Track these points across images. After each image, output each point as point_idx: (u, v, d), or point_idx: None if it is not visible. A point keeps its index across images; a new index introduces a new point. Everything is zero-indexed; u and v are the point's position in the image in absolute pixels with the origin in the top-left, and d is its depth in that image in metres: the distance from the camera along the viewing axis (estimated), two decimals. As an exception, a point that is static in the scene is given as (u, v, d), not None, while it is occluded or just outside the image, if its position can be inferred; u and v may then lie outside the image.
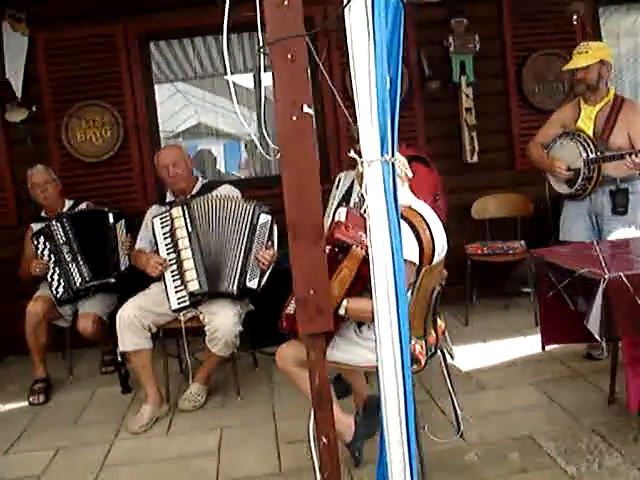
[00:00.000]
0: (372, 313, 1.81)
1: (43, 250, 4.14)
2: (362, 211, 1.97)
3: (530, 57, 5.05)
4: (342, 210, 2.40)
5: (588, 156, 3.66)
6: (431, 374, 3.11)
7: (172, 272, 3.60)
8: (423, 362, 2.61)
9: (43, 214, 4.35)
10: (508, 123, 5.13)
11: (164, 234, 3.64)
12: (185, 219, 3.58)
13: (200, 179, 3.99)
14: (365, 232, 1.83)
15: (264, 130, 2.17)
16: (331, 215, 3.14)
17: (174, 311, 3.57)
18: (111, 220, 4.19)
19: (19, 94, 4.72)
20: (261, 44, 1.91)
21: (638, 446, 2.73)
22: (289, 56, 1.78)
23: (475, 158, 4.97)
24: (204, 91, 9.99)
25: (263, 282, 3.58)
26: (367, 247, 1.80)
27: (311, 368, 1.97)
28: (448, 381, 2.96)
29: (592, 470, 2.62)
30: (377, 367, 1.78)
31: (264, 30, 1.81)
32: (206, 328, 3.52)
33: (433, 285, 2.64)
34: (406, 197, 2.60)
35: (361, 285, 2.30)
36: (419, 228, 2.41)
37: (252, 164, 8.79)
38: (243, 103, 6.82)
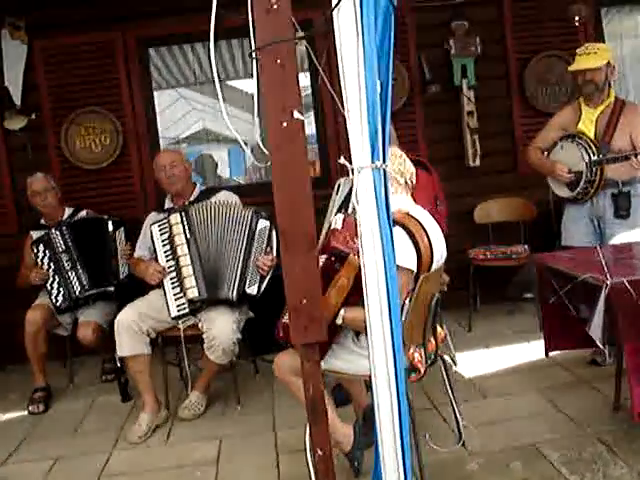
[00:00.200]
0: None
1: (43, 258, 4.12)
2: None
3: (532, 59, 5.01)
4: (339, 217, 2.36)
5: (590, 159, 3.62)
6: (433, 381, 3.07)
7: (171, 279, 3.57)
8: (423, 370, 2.56)
9: (43, 222, 4.33)
10: (510, 126, 5.08)
11: (163, 241, 3.62)
12: (183, 226, 3.55)
13: (198, 185, 3.97)
14: None
15: (258, 137, 2.13)
16: (331, 221, 3.10)
17: (174, 319, 3.54)
18: (110, 228, 4.17)
19: (18, 102, 4.72)
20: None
21: (644, 455, 2.68)
22: (278, 61, 1.75)
23: (477, 162, 4.93)
24: (207, 97, 9.99)
25: (263, 288, 3.54)
26: None
27: (305, 379, 1.93)
28: (449, 389, 2.91)
29: (597, 480, 2.57)
30: (370, 376, 1.74)
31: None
32: (204, 335, 3.49)
33: (432, 292, 2.60)
34: (404, 204, 2.56)
35: (359, 294, 2.26)
36: (417, 235, 2.37)
37: (258, 169, 8.77)
38: (242, 108, 6.81)
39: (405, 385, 2.49)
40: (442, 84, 4.91)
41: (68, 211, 4.36)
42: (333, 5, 1.59)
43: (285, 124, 1.77)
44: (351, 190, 3.62)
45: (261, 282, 3.54)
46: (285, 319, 2.53)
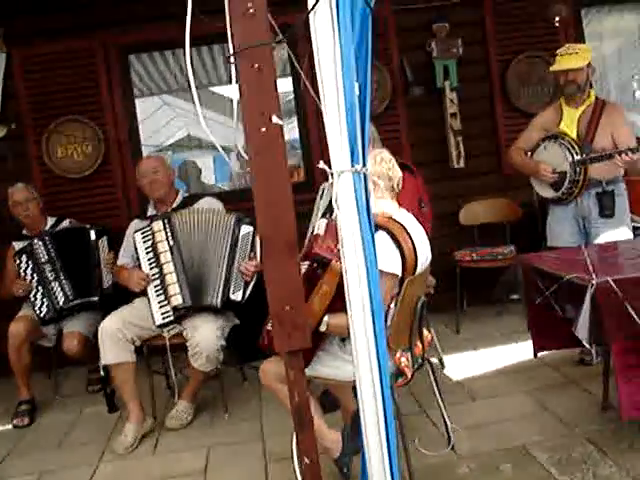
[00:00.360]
0: None
1: (26, 269, 4.07)
2: None
3: (514, 60, 5.02)
4: (322, 222, 2.34)
5: (574, 158, 3.62)
6: (421, 385, 3.05)
7: (155, 287, 3.54)
8: (410, 374, 2.54)
9: (25, 232, 4.28)
10: (494, 127, 5.08)
11: (146, 249, 3.59)
12: (166, 233, 3.53)
13: (181, 192, 3.94)
14: None
15: (239, 143, 2.11)
16: (315, 226, 3.08)
17: (159, 327, 3.51)
18: (93, 237, 4.12)
19: (-2, 111, 4.66)
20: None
21: (632, 454, 2.67)
22: (256, 65, 1.72)
23: (462, 163, 4.92)
24: (191, 103, 9.91)
25: (247, 294, 3.51)
26: None
27: (290, 386, 1.90)
28: (437, 392, 2.90)
29: (586, 480, 2.56)
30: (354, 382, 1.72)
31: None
32: (188, 343, 3.46)
33: (418, 295, 2.58)
34: (388, 208, 2.54)
35: (342, 300, 2.24)
36: (400, 238, 2.35)
37: (243, 175, 8.73)
38: (226, 114, 6.79)
39: (391, 390, 2.49)
40: (425, 86, 4.92)
41: (51, 221, 4.32)
42: (309, 7, 1.57)
43: (264, 129, 1.74)
44: (335, 194, 3.63)
45: (245, 288, 3.51)
46: (269, 326, 2.50)
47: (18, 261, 4.08)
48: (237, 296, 3.49)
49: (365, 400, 1.69)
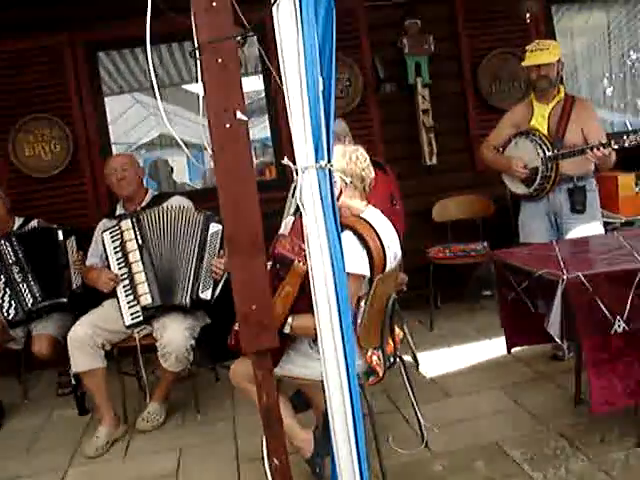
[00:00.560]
0: None
1: (-8, 270, 3.98)
2: None
3: (485, 57, 5.02)
4: (289, 220, 2.31)
5: (545, 154, 3.63)
6: (395, 383, 3.04)
7: (124, 287, 3.50)
8: (381, 373, 2.52)
9: (-9, 233, 4.18)
10: (466, 124, 5.08)
11: (114, 248, 3.54)
12: (135, 232, 3.48)
13: (151, 191, 3.88)
14: None
15: (205, 139, 2.06)
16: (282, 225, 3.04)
17: (128, 327, 3.47)
18: (61, 237, 4.03)
19: (-38, 110, 4.55)
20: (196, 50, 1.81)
21: (604, 448, 2.68)
22: (220, 60, 1.69)
23: (434, 160, 4.92)
24: (165, 102, 9.82)
25: (217, 293, 3.47)
26: None
27: (258, 387, 1.87)
28: (410, 390, 2.88)
29: (559, 475, 2.57)
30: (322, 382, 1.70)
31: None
32: (157, 343, 3.41)
33: (388, 293, 2.56)
34: (356, 206, 2.51)
35: (306, 301, 2.21)
36: (367, 237, 2.32)
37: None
38: (198, 112, 6.71)
39: (362, 389, 2.47)
40: (396, 83, 4.90)
41: (18, 221, 4.22)
42: (272, 1, 1.54)
43: (228, 125, 1.71)
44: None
45: (215, 287, 3.47)
46: (236, 326, 2.46)
47: (-16, 262, 3.99)
48: (206, 295, 3.45)
49: (333, 400, 1.67)
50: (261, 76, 5.15)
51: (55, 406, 4.11)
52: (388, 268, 2.45)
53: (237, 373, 2.64)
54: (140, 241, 3.47)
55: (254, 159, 8.55)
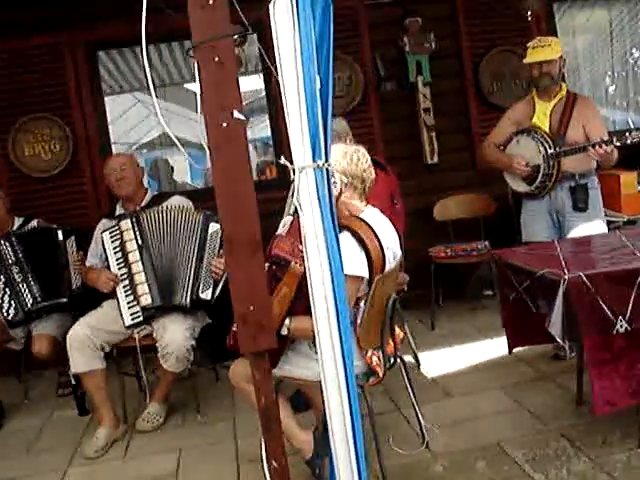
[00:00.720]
0: None
1: (-8, 271, 3.97)
2: None
3: (486, 55, 5.00)
4: (287, 219, 2.29)
5: (547, 151, 3.61)
6: (396, 383, 3.02)
7: (124, 287, 3.48)
8: (381, 373, 2.50)
9: (-9, 233, 4.17)
10: (467, 122, 5.07)
11: (114, 248, 3.53)
12: (134, 232, 3.47)
13: (150, 190, 3.87)
14: None
15: (203, 138, 2.04)
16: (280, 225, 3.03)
17: (128, 327, 3.45)
18: (60, 237, 4.02)
19: (-39, 110, 4.54)
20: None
21: (606, 449, 2.66)
22: (216, 59, 1.67)
23: (435, 159, 4.90)
24: (166, 101, 9.81)
25: (217, 293, 3.45)
26: None
27: (256, 388, 1.85)
28: (410, 391, 2.87)
29: (561, 476, 2.54)
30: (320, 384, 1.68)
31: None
32: (158, 344, 3.40)
33: (388, 293, 2.54)
34: (354, 207, 2.49)
35: (305, 303, 2.19)
36: (365, 238, 2.30)
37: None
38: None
39: (362, 389, 2.46)
40: (397, 82, 4.88)
41: (18, 221, 4.20)
42: (269, -2, 1.52)
43: (225, 124, 1.69)
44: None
45: (215, 287, 3.45)
46: (235, 327, 2.44)
47: (-16, 263, 3.98)
48: (207, 295, 3.43)
49: (331, 401, 1.65)
50: (261, 75, 5.13)
51: (55, 406, 4.10)
52: (387, 269, 2.43)
53: (236, 373, 2.63)
54: (140, 241, 3.46)
55: (255, 158, 8.53)
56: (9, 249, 3.97)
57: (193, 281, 3.43)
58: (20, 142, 4.70)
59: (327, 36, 1.54)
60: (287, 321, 2.31)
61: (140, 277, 3.42)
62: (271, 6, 1.53)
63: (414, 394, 2.88)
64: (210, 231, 3.47)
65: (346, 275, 2.27)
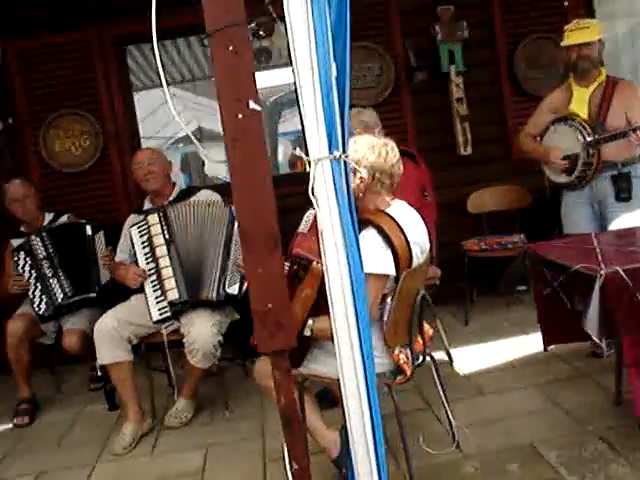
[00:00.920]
0: None
1: (24, 266, 3.99)
2: None
3: (521, 42, 4.84)
4: (309, 215, 2.21)
5: (586, 139, 3.47)
6: (429, 380, 2.92)
7: (152, 282, 3.46)
8: (409, 372, 2.42)
9: (22, 229, 4.20)
10: (502, 112, 4.92)
11: (142, 243, 3.51)
12: (162, 226, 3.45)
13: (178, 185, 3.84)
14: None
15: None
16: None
17: (156, 322, 3.43)
18: (89, 232, 4.02)
19: (-8, 106, 4.57)
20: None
21: (647, 452, 2.54)
22: (231, 47, 1.61)
23: (469, 150, 4.78)
24: (199, 95, 9.84)
25: (244, 288, 3.40)
26: None
27: (276, 388, 1.80)
28: (440, 389, 2.78)
29: (597, 480, 2.44)
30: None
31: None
32: (184, 339, 3.37)
33: (416, 289, 2.45)
34: (380, 201, 2.40)
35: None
36: (391, 234, 2.21)
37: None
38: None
39: (388, 389, 2.39)
40: (429, 71, 4.75)
41: (48, 217, 4.23)
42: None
43: (241, 116, 1.63)
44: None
45: (242, 282, 3.41)
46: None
47: (16, 258, 4.00)
48: (233, 290, 3.40)
49: (350, 402, 1.59)
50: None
51: (87, 400, 4.13)
52: (415, 264, 2.35)
53: (260, 371, 2.58)
54: (167, 236, 3.44)
55: (286, 152, 8.47)
56: (40, 244, 4.00)
57: (220, 276, 3.40)
58: (51, 138, 4.72)
59: (344, 23, 1.46)
60: (310, 322, 2.25)
61: (167, 272, 3.40)
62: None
63: (444, 392, 2.79)
64: (237, 225, 3.43)
65: (371, 274, 2.20)
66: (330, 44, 1.43)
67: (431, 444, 2.79)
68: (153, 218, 3.47)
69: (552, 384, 3.32)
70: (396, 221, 2.25)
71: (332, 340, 1.67)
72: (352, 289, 1.51)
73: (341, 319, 1.54)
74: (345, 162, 1.49)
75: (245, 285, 3.40)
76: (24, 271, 3.98)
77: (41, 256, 3.99)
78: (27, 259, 4.00)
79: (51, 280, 3.97)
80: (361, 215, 2.30)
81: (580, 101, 3.57)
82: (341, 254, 1.50)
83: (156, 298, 3.43)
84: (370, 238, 2.21)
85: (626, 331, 2.37)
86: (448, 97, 4.78)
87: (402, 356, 2.41)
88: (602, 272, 2.33)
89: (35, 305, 3.94)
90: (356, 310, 1.51)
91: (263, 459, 3.00)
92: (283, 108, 8.89)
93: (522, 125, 3.94)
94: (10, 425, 3.86)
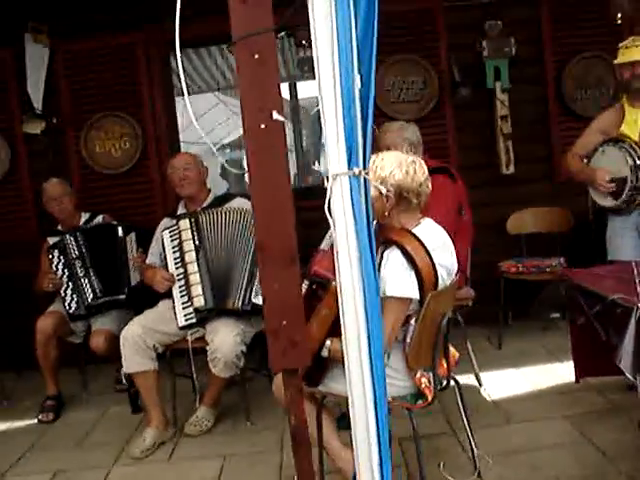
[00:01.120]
0: None
1: (57, 264, 4.05)
2: None
3: (570, 61, 4.71)
4: (331, 232, 2.15)
5: (635, 162, 3.33)
6: (454, 403, 2.83)
7: (180, 287, 3.47)
8: (430, 397, 2.34)
9: (59, 227, 4.27)
10: (547, 131, 4.79)
11: (173, 248, 3.52)
12: (192, 232, 3.45)
13: (213, 191, 3.83)
14: None
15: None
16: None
17: (181, 328, 3.42)
18: (120, 234, 4.06)
19: (38, 106, 4.63)
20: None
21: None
22: (256, 56, 1.57)
23: (511, 169, 4.65)
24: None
25: None
26: None
27: (287, 407, 1.75)
28: (464, 415, 2.69)
29: (625, 524, 2.31)
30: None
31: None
32: (207, 347, 3.36)
33: (442, 312, 2.37)
34: (406, 220, 2.33)
35: None
36: (415, 256, 2.13)
37: (305, 174, 8.54)
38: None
39: (408, 413, 2.31)
40: (473, 87, 4.66)
41: (84, 216, 4.29)
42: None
43: (263, 126, 1.59)
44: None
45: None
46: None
47: (51, 256, 4.06)
48: (259, 300, 3.35)
49: (357, 427, 1.52)
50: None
51: (112, 401, 4.14)
52: (441, 286, 2.27)
53: (279, 385, 2.51)
54: (197, 242, 3.44)
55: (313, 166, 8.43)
56: (73, 244, 4.05)
57: (246, 285, 3.38)
58: (92, 139, 4.78)
59: (371, 34, 1.41)
60: (328, 342, 2.19)
61: (195, 278, 3.40)
62: (310, 1, 1.41)
63: (468, 419, 2.69)
64: None
65: (393, 297, 2.13)
66: (354, 55, 1.38)
67: (452, 471, 2.70)
68: (184, 223, 3.47)
69: (584, 417, 3.18)
70: (421, 242, 2.17)
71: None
72: (365, 311, 1.44)
73: (353, 340, 1.48)
74: (365, 180, 1.44)
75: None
76: (57, 269, 4.04)
77: (74, 255, 4.04)
78: (61, 258, 4.06)
79: (82, 280, 4.01)
80: (386, 234, 2.24)
81: (632, 122, 3.45)
82: (355, 274, 1.45)
83: (183, 304, 3.43)
84: (394, 259, 2.14)
85: (663, 368, 2.25)
86: (491, 114, 4.67)
87: (424, 380, 2.33)
88: (639, 304, 2.22)
89: (66, 304, 4.00)
90: (369, 335, 1.45)
91: (280, 471, 2.95)
92: (318, 121, 8.86)
93: (569, 145, 3.82)
94: (35, 420, 3.90)
